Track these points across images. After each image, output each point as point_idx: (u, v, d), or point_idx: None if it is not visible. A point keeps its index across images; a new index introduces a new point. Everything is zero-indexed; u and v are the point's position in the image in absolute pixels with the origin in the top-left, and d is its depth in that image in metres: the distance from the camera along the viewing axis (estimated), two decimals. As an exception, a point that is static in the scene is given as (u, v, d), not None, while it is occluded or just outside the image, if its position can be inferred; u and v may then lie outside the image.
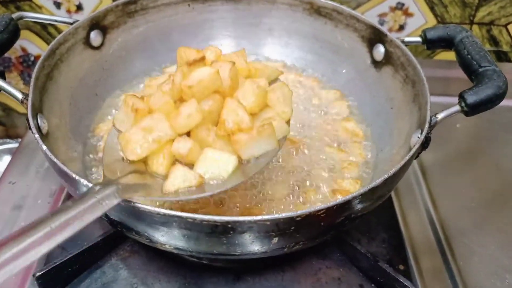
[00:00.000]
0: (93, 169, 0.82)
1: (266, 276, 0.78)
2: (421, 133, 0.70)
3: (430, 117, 0.71)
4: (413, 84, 0.82)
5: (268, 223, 0.58)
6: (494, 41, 1.35)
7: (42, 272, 0.72)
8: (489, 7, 1.28)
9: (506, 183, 0.98)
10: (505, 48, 1.36)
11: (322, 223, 0.62)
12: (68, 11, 1.31)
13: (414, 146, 0.69)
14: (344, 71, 0.98)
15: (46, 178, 0.94)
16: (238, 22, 1.04)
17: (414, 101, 0.80)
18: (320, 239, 0.70)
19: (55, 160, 0.64)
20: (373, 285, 0.77)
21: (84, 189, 0.61)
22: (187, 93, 0.65)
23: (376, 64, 0.92)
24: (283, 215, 0.58)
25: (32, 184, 0.93)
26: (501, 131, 1.10)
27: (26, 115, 0.70)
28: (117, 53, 0.95)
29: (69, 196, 0.90)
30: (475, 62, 0.76)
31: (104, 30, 0.92)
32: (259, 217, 0.57)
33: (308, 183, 0.81)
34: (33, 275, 0.73)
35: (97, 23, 0.90)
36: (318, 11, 0.98)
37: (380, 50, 0.90)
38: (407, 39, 0.87)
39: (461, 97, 0.72)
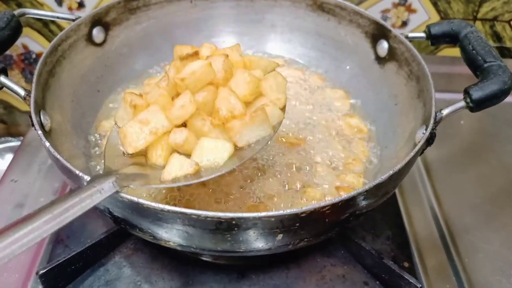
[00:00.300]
0: (97, 167, 0.81)
1: (270, 273, 0.78)
2: (426, 129, 0.70)
3: (435, 113, 0.71)
4: (417, 80, 0.81)
5: (273, 219, 0.58)
6: (497, 37, 1.34)
7: (45, 270, 0.72)
8: (492, 3, 1.28)
9: (510, 180, 0.98)
10: (509, 44, 1.36)
11: (327, 220, 0.62)
12: (70, 8, 1.30)
13: (419, 142, 0.68)
14: (347, 67, 0.98)
15: (48, 176, 0.94)
16: (241, 19, 1.03)
17: (419, 97, 0.80)
18: (325, 236, 0.70)
19: (58, 156, 0.64)
20: (377, 282, 0.77)
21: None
22: (181, 86, 0.66)
23: (380, 60, 0.91)
24: (288, 211, 0.57)
25: (34, 182, 0.93)
26: (506, 128, 1.09)
27: (28, 113, 0.70)
28: (120, 50, 0.95)
29: (71, 194, 0.89)
30: (480, 58, 0.75)
31: (106, 27, 0.92)
32: (263, 214, 0.57)
33: (311, 180, 0.80)
34: (36, 273, 0.73)
35: (99, 20, 0.90)
36: (321, 7, 0.98)
37: (384, 46, 0.89)
38: (411, 34, 0.86)
39: (466, 92, 0.71)
